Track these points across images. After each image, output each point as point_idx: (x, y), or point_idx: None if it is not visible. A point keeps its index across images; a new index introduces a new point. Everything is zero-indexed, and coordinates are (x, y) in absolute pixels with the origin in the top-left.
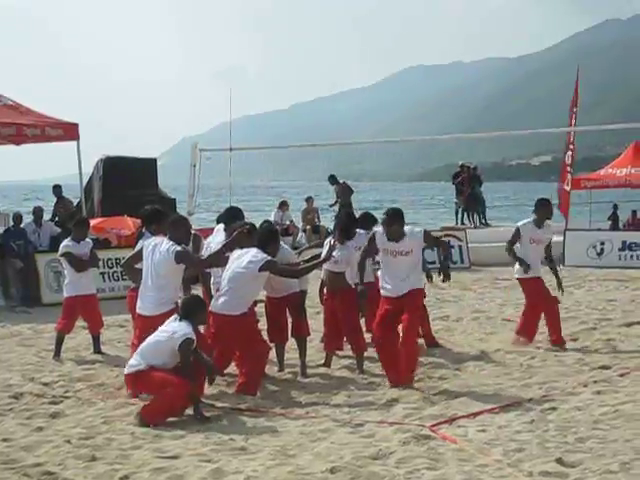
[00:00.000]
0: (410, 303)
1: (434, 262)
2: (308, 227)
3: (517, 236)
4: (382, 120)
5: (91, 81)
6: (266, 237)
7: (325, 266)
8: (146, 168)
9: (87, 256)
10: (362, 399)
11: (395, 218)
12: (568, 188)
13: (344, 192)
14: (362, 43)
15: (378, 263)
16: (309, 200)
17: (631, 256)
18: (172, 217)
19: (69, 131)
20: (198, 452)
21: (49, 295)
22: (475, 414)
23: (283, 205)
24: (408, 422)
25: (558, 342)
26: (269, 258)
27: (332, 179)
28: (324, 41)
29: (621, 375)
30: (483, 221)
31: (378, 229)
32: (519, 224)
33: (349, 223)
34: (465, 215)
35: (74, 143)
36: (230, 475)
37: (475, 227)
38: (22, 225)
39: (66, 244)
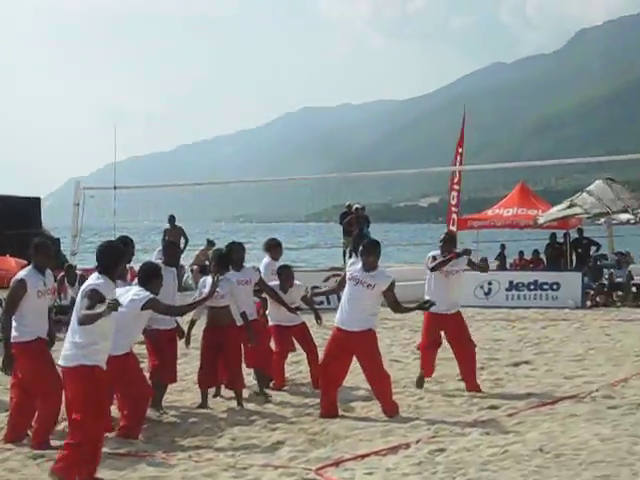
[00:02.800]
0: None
1: (322, 303)
2: (195, 267)
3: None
4: (269, 162)
5: None
6: (147, 274)
7: (208, 302)
8: (29, 207)
9: None
10: (247, 442)
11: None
12: (454, 228)
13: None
14: (250, 85)
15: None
16: (209, 243)
17: (518, 296)
18: (35, 241)
19: None
20: None
21: None
22: (362, 456)
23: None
24: (294, 465)
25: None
26: (151, 296)
27: (172, 220)
28: (209, 82)
29: (509, 415)
30: None
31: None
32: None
33: (224, 257)
34: (353, 255)
35: None
36: None
37: None
38: None
39: None
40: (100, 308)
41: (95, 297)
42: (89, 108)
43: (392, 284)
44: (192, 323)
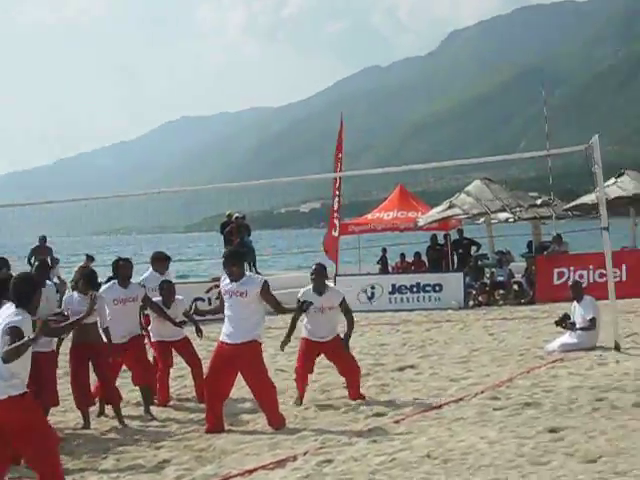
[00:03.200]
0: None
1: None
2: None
3: None
4: (149, 173)
5: None
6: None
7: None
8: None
9: None
10: (132, 462)
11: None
12: (336, 234)
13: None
14: (124, 95)
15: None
16: (88, 258)
17: (401, 299)
18: None
19: None
20: None
21: None
22: (249, 471)
23: (88, 259)
24: None
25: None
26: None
27: (42, 240)
28: (85, 92)
29: (396, 422)
30: (254, 270)
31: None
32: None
33: (92, 275)
34: None
35: None
36: None
37: None
38: None
39: None
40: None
41: (17, 335)
42: None
43: (265, 284)
44: (60, 340)
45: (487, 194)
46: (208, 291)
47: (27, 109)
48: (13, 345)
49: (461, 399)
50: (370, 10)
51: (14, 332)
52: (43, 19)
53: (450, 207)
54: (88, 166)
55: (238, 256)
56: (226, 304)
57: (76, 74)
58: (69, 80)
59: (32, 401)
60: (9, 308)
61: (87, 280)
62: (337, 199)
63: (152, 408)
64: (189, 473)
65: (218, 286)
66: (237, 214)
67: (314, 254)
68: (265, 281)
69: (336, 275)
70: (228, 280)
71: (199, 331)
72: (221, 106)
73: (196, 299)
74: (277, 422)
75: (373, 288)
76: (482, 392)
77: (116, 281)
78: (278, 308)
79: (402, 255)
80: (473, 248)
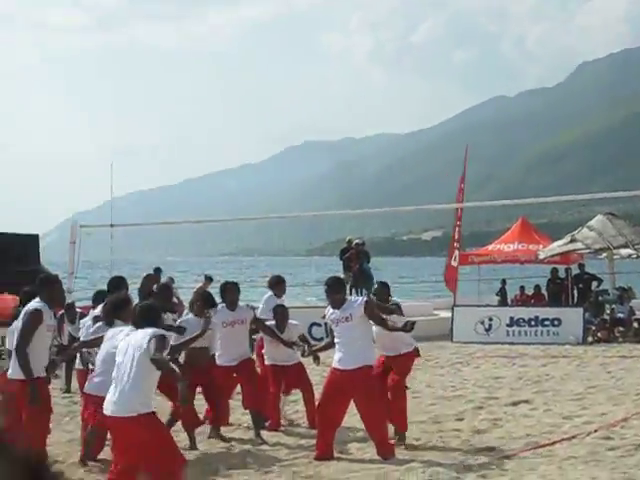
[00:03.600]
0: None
1: (322, 338)
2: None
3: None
4: (272, 196)
5: None
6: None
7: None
8: (27, 244)
9: None
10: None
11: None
12: (455, 264)
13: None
14: (250, 121)
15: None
16: (207, 279)
17: (519, 332)
18: (41, 276)
19: None
20: None
21: None
22: None
23: (207, 280)
24: None
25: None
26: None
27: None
28: (210, 116)
29: (507, 457)
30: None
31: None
32: None
33: (209, 297)
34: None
35: None
36: None
37: None
38: None
39: None
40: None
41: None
42: (91, 143)
43: (367, 304)
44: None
45: (610, 229)
46: (324, 316)
47: (154, 129)
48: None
49: (574, 437)
50: (498, 39)
51: (163, 340)
52: (163, 43)
53: (572, 241)
54: (213, 187)
55: (339, 284)
56: (335, 332)
57: (202, 97)
58: (195, 102)
59: (160, 421)
60: (139, 331)
61: (203, 302)
62: (457, 229)
63: (263, 432)
64: None
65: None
66: (357, 240)
67: (436, 284)
68: (366, 300)
69: (454, 306)
70: (332, 309)
71: (316, 358)
72: (346, 132)
73: (312, 325)
74: (386, 452)
75: (491, 320)
76: (596, 431)
77: (224, 304)
78: (384, 324)
79: (522, 288)
80: (594, 283)
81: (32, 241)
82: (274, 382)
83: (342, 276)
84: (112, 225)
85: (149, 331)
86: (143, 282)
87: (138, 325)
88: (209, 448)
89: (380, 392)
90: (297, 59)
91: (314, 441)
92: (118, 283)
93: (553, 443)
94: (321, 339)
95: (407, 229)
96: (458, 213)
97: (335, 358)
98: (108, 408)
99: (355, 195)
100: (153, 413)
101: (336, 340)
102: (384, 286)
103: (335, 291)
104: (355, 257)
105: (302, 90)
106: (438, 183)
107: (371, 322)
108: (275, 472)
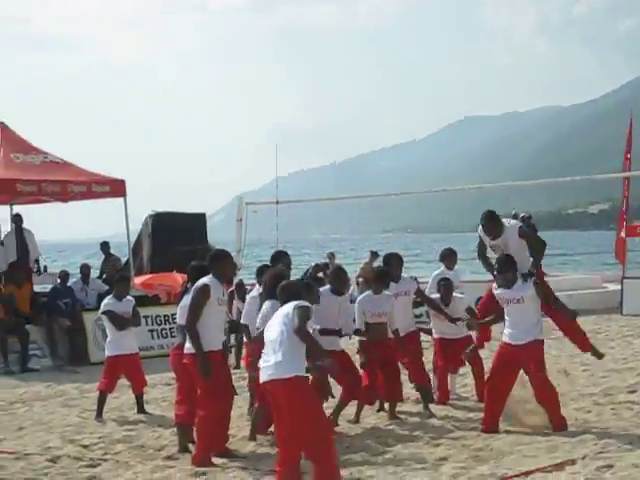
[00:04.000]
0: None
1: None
2: (361, 279)
3: None
4: (431, 172)
5: (139, 137)
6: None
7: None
8: (195, 223)
9: (129, 314)
10: (409, 458)
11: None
12: (623, 235)
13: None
14: (411, 97)
15: None
16: (373, 255)
17: None
18: (212, 252)
19: (116, 188)
20: None
21: (97, 354)
22: (526, 473)
23: (331, 257)
24: None
25: None
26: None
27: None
28: (369, 95)
29: None
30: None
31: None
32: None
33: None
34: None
35: (121, 200)
36: None
37: None
38: (69, 283)
39: (107, 302)
40: None
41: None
42: (257, 125)
43: (536, 285)
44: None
45: None
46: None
47: (314, 111)
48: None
49: None
50: None
51: (307, 311)
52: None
53: None
54: (368, 166)
55: (510, 262)
56: (505, 309)
57: (362, 78)
58: (352, 83)
59: (312, 387)
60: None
61: (381, 280)
62: (626, 200)
63: (431, 405)
64: (466, 472)
65: None
66: (523, 214)
67: (603, 255)
68: (534, 279)
69: (624, 277)
70: (502, 289)
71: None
72: (508, 106)
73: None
74: (558, 424)
75: None
76: None
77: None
78: (550, 299)
79: None
80: None
81: (200, 220)
82: (441, 355)
83: None
84: (277, 202)
85: (293, 303)
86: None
87: (282, 303)
88: (380, 422)
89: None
90: (459, 36)
91: (482, 415)
92: (277, 257)
93: None
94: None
95: (573, 203)
96: (626, 184)
97: (505, 333)
98: (264, 374)
99: (518, 169)
100: (307, 378)
101: (506, 317)
102: (397, 258)
103: (506, 269)
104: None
105: (466, 67)
106: (602, 156)
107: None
108: (445, 445)
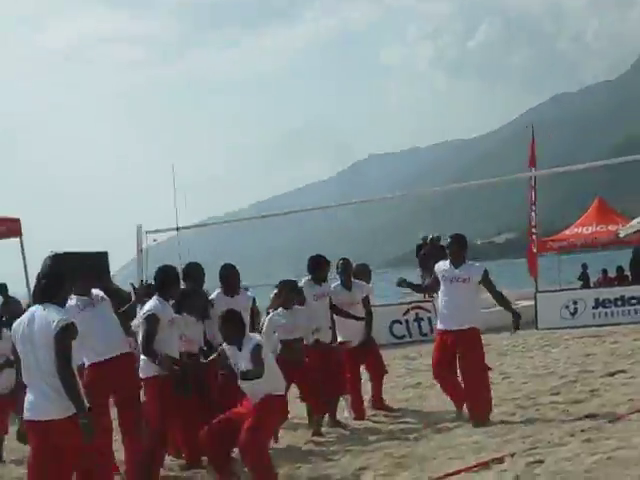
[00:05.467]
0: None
1: (404, 337)
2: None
3: None
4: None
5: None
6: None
7: None
8: (97, 262)
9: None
10: (328, 471)
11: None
12: (535, 250)
13: None
14: (314, 136)
15: None
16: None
17: (605, 313)
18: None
19: (11, 227)
20: None
21: None
22: (451, 474)
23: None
24: None
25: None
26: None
27: None
28: (263, 139)
29: (611, 422)
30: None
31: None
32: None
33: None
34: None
35: (17, 239)
36: None
37: None
38: None
39: None
40: None
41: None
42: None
43: (486, 273)
44: None
45: None
46: (405, 313)
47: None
48: None
49: None
50: (556, 37)
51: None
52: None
53: None
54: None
55: (465, 241)
56: (443, 290)
57: (259, 124)
58: (246, 130)
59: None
60: None
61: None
62: (533, 213)
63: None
64: (388, 479)
65: (417, 308)
66: (431, 235)
67: (514, 278)
68: (485, 270)
69: (537, 292)
70: (448, 265)
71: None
72: (409, 142)
73: (393, 322)
74: (480, 415)
75: (576, 303)
76: None
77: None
78: (500, 298)
79: (604, 271)
80: None
81: (101, 258)
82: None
83: (420, 274)
84: (178, 229)
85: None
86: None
87: None
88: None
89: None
90: (357, 75)
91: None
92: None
93: None
94: (402, 337)
95: (479, 233)
96: (532, 197)
97: (440, 321)
98: None
99: (425, 205)
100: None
101: (444, 298)
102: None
103: (460, 247)
104: (431, 254)
105: (363, 105)
106: (506, 184)
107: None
108: (365, 454)
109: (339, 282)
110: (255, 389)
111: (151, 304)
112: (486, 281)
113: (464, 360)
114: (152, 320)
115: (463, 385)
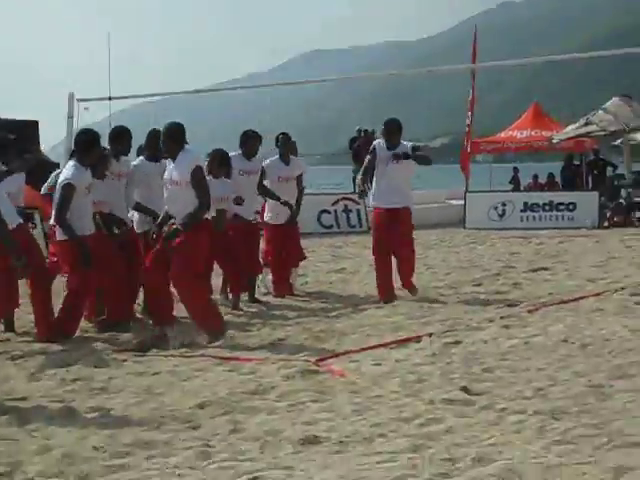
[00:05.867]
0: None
1: (332, 226)
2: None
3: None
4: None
5: None
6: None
7: None
8: (26, 130)
9: None
10: (245, 340)
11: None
12: (469, 150)
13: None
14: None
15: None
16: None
17: (533, 217)
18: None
19: None
20: (51, 393)
21: None
22: (369, 348)
23: None
24: (294, 358)
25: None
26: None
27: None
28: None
29: (530, 311)
30: None
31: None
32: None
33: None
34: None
35: None
36: (83, 414)
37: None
38: None
39: None
40: None
41: None
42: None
43: (415, 147)
44: None
45: (626, 112)
46: (334, 203)
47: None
48: None
49: (599, 294)
50: None
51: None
52: None
53: (587, 124)
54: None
55: (399, 124)
56: (379, 171)
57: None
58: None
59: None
60: None
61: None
62: (470, 113)
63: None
64: (304, 350)
65: (346, 199)
66: (366, 128)
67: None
68: (414, 145)
69: (466, 192)
70: (383, 146)
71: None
72: (353, 40)
73: (322, 211)
74: (409, 284)
75: (504, 205)
76: (622, 288)
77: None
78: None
79: (535, 176)
80: (609, 169)
81: (31, 127)
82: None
83: (352, 168)
84: (110, 98)
85: None
86: None
87: None
88: None
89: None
90: None
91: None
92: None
93: (579, 299)
94: (330, 226)
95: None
96: (469, 113)
97: (376, 199)
98: None
99: (367, 98)
100: None
101: (380, 180)
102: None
103: (396, 130)
104: (364, 146)
105: None
106: (449, 85)
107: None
108: (283, 327)
109: (277, 156)
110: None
111: (69, 172)
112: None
113: (399, 235)
114: (68, 189)
115: (397, 257)
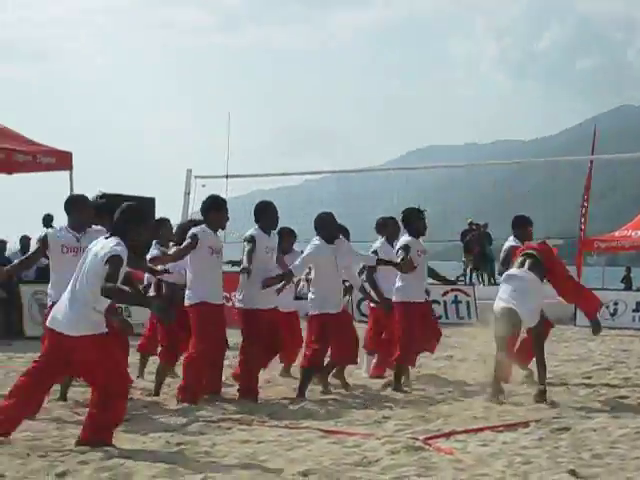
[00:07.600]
0: None
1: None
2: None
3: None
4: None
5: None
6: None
7: None
8: (144, 207)
9: None
10: (350, 417)
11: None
12: (580, 247)
13: None
14: (374, 122)
15: None
16: None
17: None
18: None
19: (62, 160)
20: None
21: (32, 328)
22: (476, 430)
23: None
24: (400, 435)
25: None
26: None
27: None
28: (334, 119)
29: None
30: (492, 280)
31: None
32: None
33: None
34: (474, 274)
35: (67, 173)
36: (186, 475)
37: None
38: (7, 254)
39: None
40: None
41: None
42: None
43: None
44: None
45: None
46: (444, 294)
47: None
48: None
49: None
50: (625, 46)
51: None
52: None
53: None
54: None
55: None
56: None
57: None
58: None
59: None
60: None
61: None
62: (583, 219)
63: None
64: (410, 428)
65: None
66: (479, 223)
67: None
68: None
69: None
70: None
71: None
72: (469, 137)
73: (431, 302)
74: None
75: (616, 304)
76: None
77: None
78: None
79: None
80: None
81: (148, 204)
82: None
83: (462, 259)
84: (227, 176)
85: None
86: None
87: None
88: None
89: None
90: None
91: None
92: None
93: None
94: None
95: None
96: (582, 218)
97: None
98: None
99: (480, 195)
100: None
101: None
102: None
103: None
104: (477, 239)
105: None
106: (563, 189)
107: None
108: (387, 406)
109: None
110: None
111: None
112: None
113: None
114: (116, 261)
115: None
